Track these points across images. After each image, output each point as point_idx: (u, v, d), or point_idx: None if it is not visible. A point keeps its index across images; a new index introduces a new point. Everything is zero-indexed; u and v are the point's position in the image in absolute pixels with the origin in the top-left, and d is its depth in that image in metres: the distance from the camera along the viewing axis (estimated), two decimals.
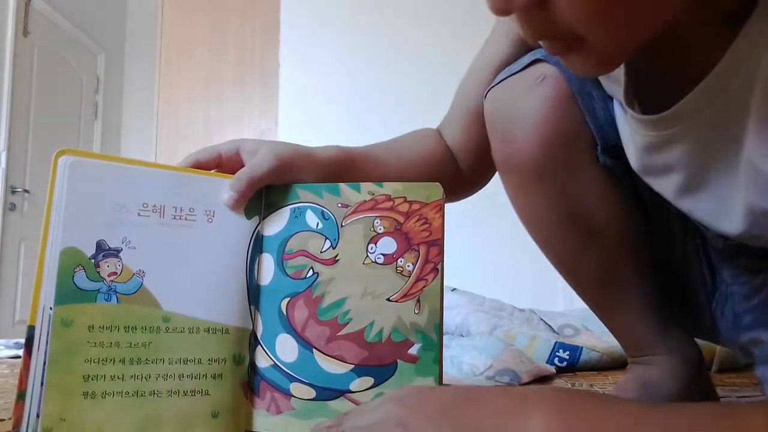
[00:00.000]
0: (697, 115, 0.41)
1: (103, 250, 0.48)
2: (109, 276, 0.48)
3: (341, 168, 0.61)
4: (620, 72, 0.48)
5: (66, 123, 3.61)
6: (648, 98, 0.47)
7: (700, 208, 0.48)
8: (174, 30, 3.63)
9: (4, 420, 0.68)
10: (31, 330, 0.45)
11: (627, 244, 0.63)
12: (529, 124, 0.59)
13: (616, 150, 0.57)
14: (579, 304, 0.70)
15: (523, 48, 0.65)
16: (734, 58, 0.37)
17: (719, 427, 0.33)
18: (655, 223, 0.65)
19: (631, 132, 0.51)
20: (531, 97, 0.59)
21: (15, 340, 1.89)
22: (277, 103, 3.01)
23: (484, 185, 0.76)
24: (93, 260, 0.47)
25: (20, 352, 1.64)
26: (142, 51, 4.00)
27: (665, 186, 0.50)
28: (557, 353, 1.32)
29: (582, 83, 0.58)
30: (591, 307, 0.69)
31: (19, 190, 3.18)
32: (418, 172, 0.68)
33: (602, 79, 0.55)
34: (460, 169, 0.73)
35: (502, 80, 0.62)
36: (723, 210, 0.45)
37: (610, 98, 0.57)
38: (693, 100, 0.41)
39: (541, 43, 0.38)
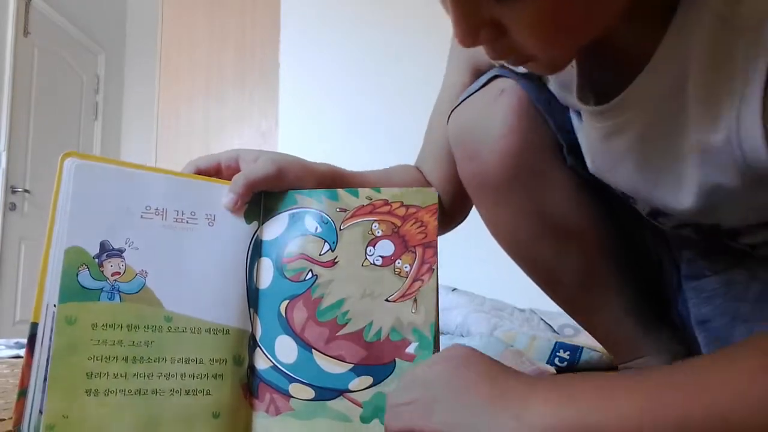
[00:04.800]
0: (641, 103, 0.46)
1: (106, 250, 0.49)
2: (112, 275, 0.49)
3: (333, 182, 0.62)
4: (572, 77, 0.51)
5: (66, 123, 3.61)
6: (600, 94, 0.50)
7: (654, 192, 0.50)
8: (174, 30, 3.63)
9: (4, 420, 0.68)
10: (34, 327, 0.46)
11: (604, 247, 0.64)
12: (496, 137, 0.60)
13: (580, 149, 0.59)
14: None
15: (479, 76, 0.67)
16: (667, 48, 0.42)
17: (681, 385, 0.35)
18: (625, 222, 0.66)
19: (586, 131, 0.53)
20: (494, 111, 0.60)
21: (15, 340, 1.89)
22: (277, 102, 3.02)
23: (464, 218, 0.77)
24: (97, 260, 0.48)
25: (21, 351, 1.64)
26: (142, 51, 4.00)
27: (620, 176, 0.53)
28: (558, 353, 1.32)
29: (538, 90, 0.60)
30: (571, 314, 0.70)
31: (20, 189, 3.18)
32: None
33: (556, 92, 0.58)
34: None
35: (463, 101, 0.63)
36: (675, 190, 0.48)
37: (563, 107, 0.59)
38: (635, 89, 0.45)
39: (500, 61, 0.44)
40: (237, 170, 0.57)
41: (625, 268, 0.66)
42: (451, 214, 0.74)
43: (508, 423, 0.38)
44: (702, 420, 0.34)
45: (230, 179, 0.56)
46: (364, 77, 2.78)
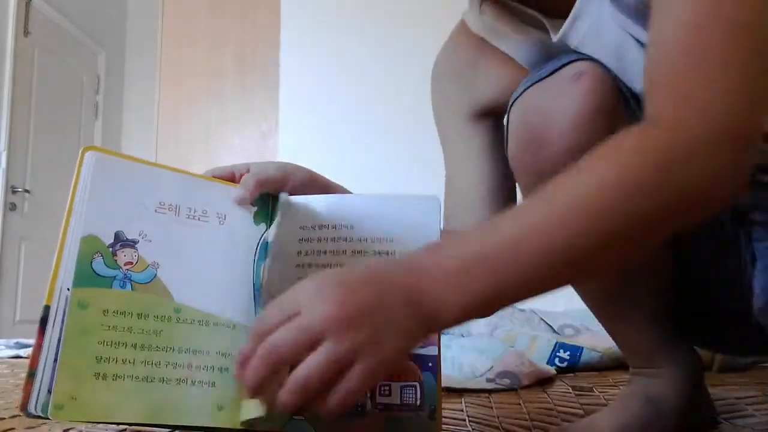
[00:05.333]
0: None
1: (120, 240, 0.51)
2: (125, 265, 0.51)
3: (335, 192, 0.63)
4: None
5: (66, 123, 3.61)
6: None
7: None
8: (174, 30, 3.63)
9: (4, 419, 0.68)
10: (46, 310, 0.47)
11: (645, 259, 0.62)
12: (569, 123, 0.55)
13: None
14: (579, 304, 0.70)
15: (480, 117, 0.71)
16: None
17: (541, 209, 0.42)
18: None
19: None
20: (568, 95, 0.55)
21: (15, 340, 1.89)
22: (277, 103, 3.02)
23: None
24: (111, 249, 0.50)
25: (21, 352, 1.64)
26: (142, 51, 4.00)
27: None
28: (558, 354, 1.33)
29: (622, 83, 0.58)
30: (599, 318, 0.68)
31: (20, 189, 3.18)
32: None
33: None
34: None
35: (529, 86, 0.59)
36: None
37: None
38: None
39: None
40: None
41: (665, 281, 0.65)
42: None
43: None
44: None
45: None
46: (364, 78, 2.78)
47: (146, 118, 3.80)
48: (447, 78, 0.74)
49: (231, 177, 0.61)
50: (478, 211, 0.72)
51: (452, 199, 0.74)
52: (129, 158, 0.54)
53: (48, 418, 0.45)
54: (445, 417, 0.73)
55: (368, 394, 0.50)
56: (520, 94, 0.59)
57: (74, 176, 0.50)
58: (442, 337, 0.57)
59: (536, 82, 0.58)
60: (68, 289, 0.48)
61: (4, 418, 0.68)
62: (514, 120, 0.60)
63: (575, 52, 0.60)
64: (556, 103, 0.56)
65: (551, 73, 0.57)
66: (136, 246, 0.51)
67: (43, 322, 0.46)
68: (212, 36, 3.51)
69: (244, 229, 0.57)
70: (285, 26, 2.98)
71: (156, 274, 0.51)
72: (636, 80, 0.57)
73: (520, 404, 0.87)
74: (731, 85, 0.41)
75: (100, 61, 3.92)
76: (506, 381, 1.05)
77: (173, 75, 3.61)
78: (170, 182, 0.55)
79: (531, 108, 0.58)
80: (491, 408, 0.83)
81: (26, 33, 3.26)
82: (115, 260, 0.50)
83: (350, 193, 0.64)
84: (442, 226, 0.56)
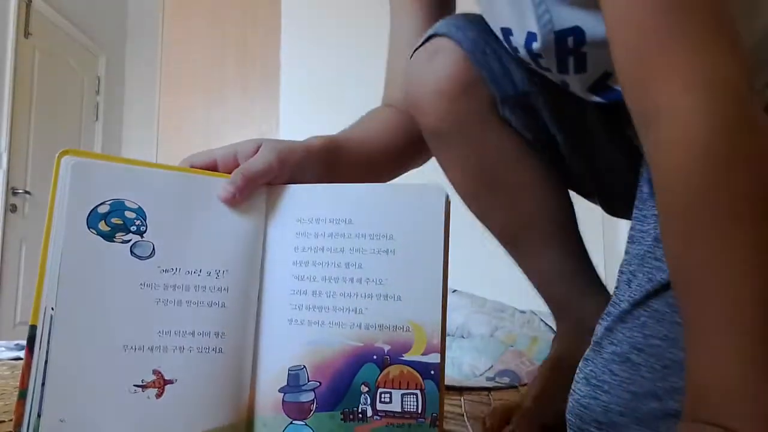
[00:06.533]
0: None
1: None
2: None
3: (330, 155, 0.62)
4: None
5: (67, 124, 3.61)
6: None
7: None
8: (175, 31, 3.63)
9: (4, 421, 0.68)
10: (33, 330, 0.45)
11: (544, 204, 0.68)
12: (430, 97, 0.66)
13: (515, 100, 0.65)
14: None
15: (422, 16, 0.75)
16: None
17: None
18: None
19: None
20: (430, 68, 0.66)
21: (16, 342, 1.89)
22: (278, 103, 3.02)
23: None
24: None
25: (21, 353, 1.64)
26: (143, 52, 4.00)
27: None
28: None
29: (475, 43, 0.64)
30: (514, 258, 0.73)
31: (21, 191, 3.18)
32: (397, 146, 0.73)
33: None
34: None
35: (414, 52, 0.68)
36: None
37: (505, 50, 0.65)
38: None
39: None
40: (235, 166, 0.54)
41: (567, 229, 0.69)
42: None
43: None
44: None
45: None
46: (365, 78, 2.78)
47: (147, 118, 3.80)
48: None
49: (213, 164, 0.55)
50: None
51: (389, 59, 0.80)
52: (108, 158, 0.50)
53: None
54: (444, 417, 0.73)
55: (369, 401, 0.50)
56: (411, 55, 0.68)
57: (51, 184, 0.47)
58: None
59: (417, 48, 0.68)
60: (52, 309, 0.46)
61: (3, 421, 0.68)
62: (405, 78, 0.69)
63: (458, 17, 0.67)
64: (420, 79, 0.67)
65: (423, 43, 0.67)
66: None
67: (30, 342, 0.45)
68: (212, 37, 3.51)
69: (237, 224, 0.52)
70: (285, 26, 2.98)
71: None
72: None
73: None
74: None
75: (100, 62, 3.92)
76: (506, 379, 1.05)
77: (173, 76, 3.61)
78: (152, 180, 0.50)
79: (410, 73, 0.68)
80: (489, 405, 0.83)
81: (27, 34, 3.26)
82: None
83: (335, 139, 0.65)
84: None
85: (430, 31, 0.67)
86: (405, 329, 0.49)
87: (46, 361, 0.45)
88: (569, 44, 0.57)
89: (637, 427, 0.47)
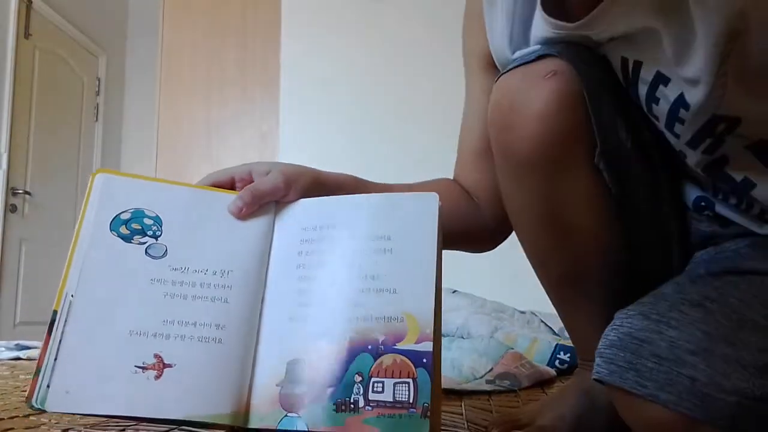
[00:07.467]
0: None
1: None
2: None
3: (344, 191, 0.63)
4: None
5: (67, 125, 3.61)
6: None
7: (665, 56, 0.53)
8: (175, 32, 3.63)
9: (3, 419, 0.68)
10: (54, 315, 0.51)
11: (599, 253, 0.63)
12: (533, 116, 0.57)
13: (613, 154, 0.59)
14: None
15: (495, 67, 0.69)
16: None
17: None
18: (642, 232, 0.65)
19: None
20: (539, 89, 0.57)
21: (15, 342, 1.89)
22: (278, 104, 3.01)
23: (510, 233, 0.75)
24: None
25: (21, 354, 1.64)
26: (142, 53, 4.00)
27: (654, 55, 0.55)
28: (558, 355, 1.32)
29: (595, 83, 0.58)
30: (553, 303, 0.70)
31: (20, 191, 3.18)
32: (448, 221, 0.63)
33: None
34: (485, 219, 0.75)
35: (512, 69, 0.60)
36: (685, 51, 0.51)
37: (617, 97, 0.60)
38: None
39: None
40: (250, 182, 0.61)
41: (616, 277, 0.65)
42: (498, 228, 0.74)
43: None
44: None
45: None
46: (365, 78, 2.78)
47: (147, 119, 3.80)
48: (471, 16, 0.74)
49: (231, 181, 0.62)
50: (473, 156, 0.75)
51: (461, 139, 0.77)
52: (137, 177, 0.58)
53: (45, 411, 0.49)
54: (444, 419, 0.73)
55: (361, 391, 0.50)
56: (502, 75, 0.61)
57: (85, 198, 0.56)
58: (442, 338, 0.57)
59: (521, 65, 0.60)
60: (72, 295, 0.52)
61: (2, 419, 0.68)
62: (494, 95, 0.62)
63: (555, 43, 0.60)
64: (527, 94, 0.58)
65: (533, 60, 0.59)
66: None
67: (51, 325, 0.51)
68: (212, 37, 3.51)
69: (254, 237, 0.59)
70: (286, 27, 2.98)
71: None
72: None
73: (519, 406, 0.87)
74: None
75: (100, 63, 3.93)
76: (506, 382, 1.05)
77: (173, 76, 3.61)
78: (175, 196, 0.58)
79: (507, 90, 0.60)
80: (491, 412, 0.83)
81: (27, 35, 3.27)
82: None
83: (364, 180, 0.68)
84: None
85: (543, 49, 0.59)
86: (399, 320, 0.51)
87: (60, 340, 0.51)
88: (718, 129, 0.54)
89: (707, 369, 0.45)
